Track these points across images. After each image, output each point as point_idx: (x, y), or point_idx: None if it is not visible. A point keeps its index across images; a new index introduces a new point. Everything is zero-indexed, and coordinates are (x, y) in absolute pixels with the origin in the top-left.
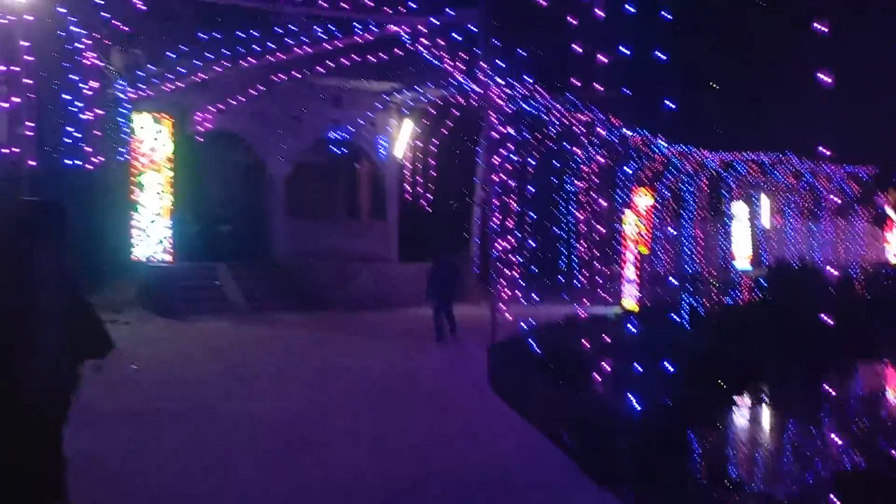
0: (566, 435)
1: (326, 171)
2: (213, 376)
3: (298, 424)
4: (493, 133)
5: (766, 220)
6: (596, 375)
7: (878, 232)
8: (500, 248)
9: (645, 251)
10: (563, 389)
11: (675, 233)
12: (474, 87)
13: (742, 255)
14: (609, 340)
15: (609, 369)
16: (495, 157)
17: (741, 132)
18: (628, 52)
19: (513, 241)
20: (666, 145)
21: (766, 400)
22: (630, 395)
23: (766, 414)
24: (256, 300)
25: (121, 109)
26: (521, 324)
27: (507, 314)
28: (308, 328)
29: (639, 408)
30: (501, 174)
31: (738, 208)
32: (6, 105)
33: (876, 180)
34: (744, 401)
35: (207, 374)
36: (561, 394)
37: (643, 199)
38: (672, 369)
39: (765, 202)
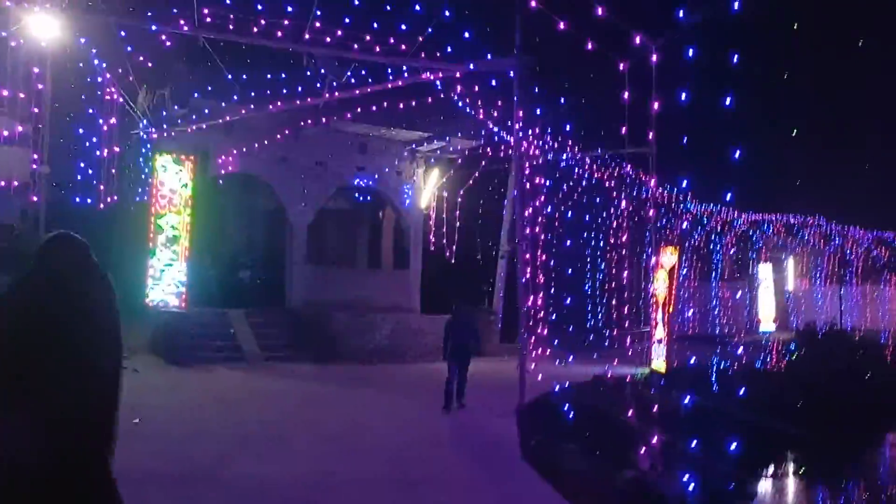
0: None
1: (349, 218)
2: (218, 434)
3: (314, 497)
4: (523, 185)
5: (791, 282)
6: (633, 448)
7: None
8: (528, 303)
9: (671, 310)
10: (599, 462)
11: (700, 293)
12: (505, 136)
13: (767, 316)
14: (642, 407)
15: (645, 440)
16: (524, 209)
17: (774, 193)
18: (666, 106)
19: (540, 295)
20: (695, 204)
21: (803, 475)
22: (669, 473)
23: (801, 490)
24: (271, 350)
25: (142, 149)
26: (551, 384)
27: (535, 372)
28: (323, 381)
29: (681, 489)
30: (530, 227)
31: (764, 270)
32: (9, 131)
33: None
34: (785, 477)
35: (212, 430)
36: (598, 469)
37: (670, 258)
38: (706, 441)
39: (791, 264)
